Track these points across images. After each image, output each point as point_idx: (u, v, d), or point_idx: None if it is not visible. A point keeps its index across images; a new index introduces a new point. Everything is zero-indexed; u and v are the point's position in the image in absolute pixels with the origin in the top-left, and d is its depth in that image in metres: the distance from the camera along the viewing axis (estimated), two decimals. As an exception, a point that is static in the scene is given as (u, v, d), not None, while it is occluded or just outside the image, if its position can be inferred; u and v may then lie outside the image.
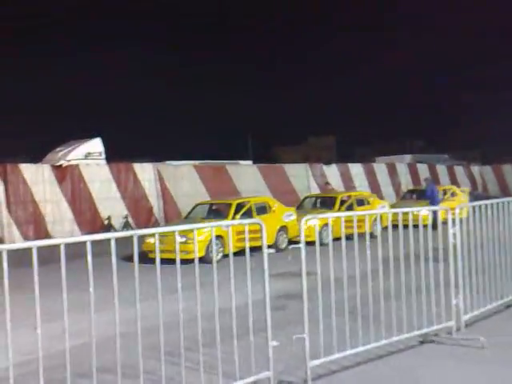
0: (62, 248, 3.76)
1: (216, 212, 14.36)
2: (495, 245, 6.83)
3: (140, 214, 20.05)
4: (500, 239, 6.92)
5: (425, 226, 6.14)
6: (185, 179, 21.46)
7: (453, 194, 21.20)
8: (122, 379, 3.98)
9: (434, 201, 17.07)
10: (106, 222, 18.43)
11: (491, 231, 6.81)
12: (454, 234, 6.17)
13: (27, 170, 18.23)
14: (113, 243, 4.04)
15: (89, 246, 3.85)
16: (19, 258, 3.65)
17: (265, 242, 4.87)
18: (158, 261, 4.28)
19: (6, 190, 17.68)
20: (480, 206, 6.71)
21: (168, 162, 22.62)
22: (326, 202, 17.06)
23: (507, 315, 6.99)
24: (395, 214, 6.04)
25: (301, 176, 25.18)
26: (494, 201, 7.00)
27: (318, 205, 16.97)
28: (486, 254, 6.70)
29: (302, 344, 4.85)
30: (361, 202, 17.12)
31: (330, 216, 5.71)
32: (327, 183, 22.61)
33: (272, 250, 4.92)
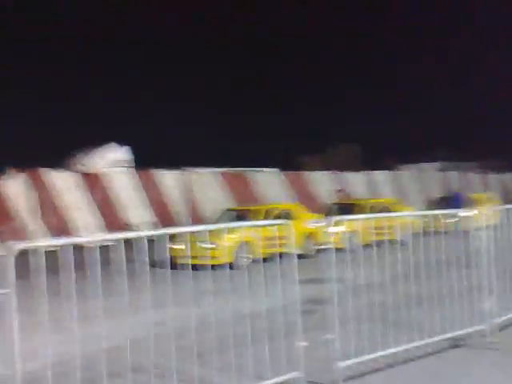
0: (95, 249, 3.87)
1: (243, 219, 14.44)
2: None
3: (166, 220, 20.25)
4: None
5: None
6: (210, 186, 21.62)
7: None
8: (154, 379, 4.04)
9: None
10: (135, 229, 18.65)
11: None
12: (487, 237, 6.17)
13: (58, 177, 18.59)
14: (145, 242, 4.15)
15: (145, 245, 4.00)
16: (50, 262, 3.72)
17: (293, 242, 4.92)
18: (189, 263, 4.37)
19: (36, 196, 18.03)
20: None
21: (193, 169, 22.79)
22: (353, 209, 17.01)
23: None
24: (426, 222, 6.05)
25: (326, 184, 25.16)
26: None
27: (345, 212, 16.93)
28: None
29: (331, 346, 4.87)
30: (387, 210, 17.04)
31: (361, 217, 5.68)
32: (340, 190, 22.06)
33: (305, 343, 4.79)
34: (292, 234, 4.90)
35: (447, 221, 6.29)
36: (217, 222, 14.69)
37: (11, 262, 3.46)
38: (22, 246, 3.57)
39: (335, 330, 4.86)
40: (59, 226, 17.54)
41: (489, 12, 53.76)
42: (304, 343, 4.72)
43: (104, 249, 3.99)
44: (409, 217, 6.39)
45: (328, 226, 5.10)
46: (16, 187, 17.72)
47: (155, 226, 19.18)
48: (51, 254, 3.74)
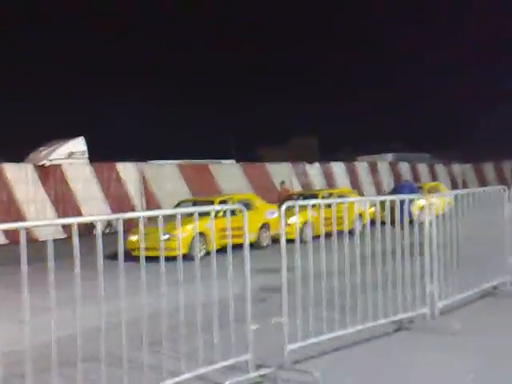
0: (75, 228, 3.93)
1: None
2: (472, 235, 7.12)
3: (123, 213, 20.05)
4: (476, 230, 7.21)
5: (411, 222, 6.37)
6: (168, 178, 21.55)
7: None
8: (106, 367, 4.09)
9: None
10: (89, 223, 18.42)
11: (468, 221, 7.10)
12: (430, 222, 6.44)
13: (10, 169, 18.22)
14: (99, 227, 4.21)
15: (99, 228, 4.12)
16: (5, 256, 3.74)
17: (246, 228, 5.03)
18: (142, 247, 4.44)
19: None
20: (457, 196, 7.00)
21: (151, 161, 22.68)
22: (308, 199, 17.21)
23: (481, 304, 7.25)
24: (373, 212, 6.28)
25: (283, 175, 25.39)
26: (471, 190, 7.30)
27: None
28: (462, 243, 6.97)
29: (280, 329, 5.04)
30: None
31: (312, 202, 5.77)
32: (282, 182, 21.01)
33: (255, 327, 4.93)
34: (245, 217, 5.00)
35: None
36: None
37: None
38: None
39: (284, 315, 5.03)
40: (12, 220, 17.18)
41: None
42: (254, 326, 4.87)
43: (58, 242, 4.00)
44: (360, 203, 6.51)
45: (281, 216, 5.22)
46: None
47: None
48: (5, 248, 3.75)
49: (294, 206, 5.40)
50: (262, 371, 4.91)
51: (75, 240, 4.02)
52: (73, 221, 4.14)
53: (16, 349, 4.05)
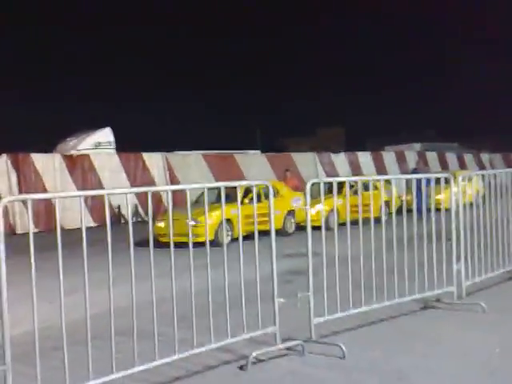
0: (82, 202, 3.98)
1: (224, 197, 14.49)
2: (500, 215, 7.04)
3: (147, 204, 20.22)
4: (504, 211, 7.14)
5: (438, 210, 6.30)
6: (193, 168, 21.65)
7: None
8: (137, 341, 4.17)
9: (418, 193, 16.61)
10: (116, 211, 18.64)
11: (495, 202, 7.02)
12: (457, 209, 6.39)
13: (39, 159, 18.51)
14: (132, 196, 4.30)
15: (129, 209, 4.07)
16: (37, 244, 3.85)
17: (272, 208, 5.03)
18: (170, 223, 4.48)
19: (19, 180, 17.99)
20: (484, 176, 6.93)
21: (176, 151, 22.79)
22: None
23: (509, 285, 7.19)
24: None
25: (309, 164, 25.30)
26: (498, 171, 7.21)
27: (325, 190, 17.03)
28: (489, 224, 6.89)
29: (306, 305, 5.08)
30: (368, 187, 17.15)
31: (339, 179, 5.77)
32: (287, 170, 19.46)
33: (281, 300, 4.98)
34: (271, 189, 5.00)
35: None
36: (198, 199, 14.79)
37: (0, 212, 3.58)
38: (11, 198, 3.75)
39: (310, 291, 5.04)
40: (46, 207, 17.46)
41: None
42: (281, 299, 4.89)
43: (89, 230, 4.08)
44: (386, 191, 6.46)
45: (307, 191, 5.23)
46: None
47: (137, 208, 19.22)
48: (36, 236, 3.86)
49: (319, 195, 5.41)
50: (289, 344, 4.94)
51: (108, 222, 4.07)
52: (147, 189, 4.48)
53: (46, 325, 4.15)
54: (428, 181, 6.43)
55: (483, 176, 7.39)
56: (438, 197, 6.23)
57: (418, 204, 6.14)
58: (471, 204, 6.94)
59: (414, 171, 16.28)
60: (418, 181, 6.34)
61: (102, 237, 4.22)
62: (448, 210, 6.45)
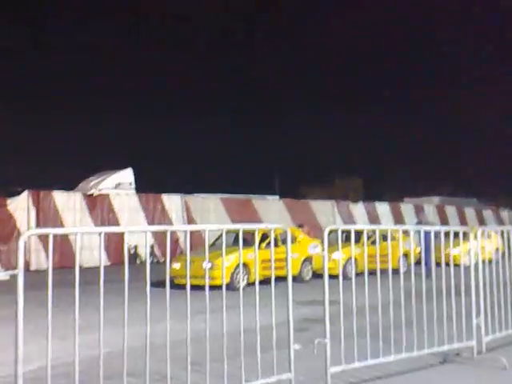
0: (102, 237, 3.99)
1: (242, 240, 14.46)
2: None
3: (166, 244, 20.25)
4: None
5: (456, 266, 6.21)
6: (211, 211, 21.73)
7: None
8: (149, 383, 4.11)
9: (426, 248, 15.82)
10: (132, 251, 18.68)
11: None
12: (476, 253, 6.29)
13: (59, 197, 18.75)
14: (149, 235, 4.30)
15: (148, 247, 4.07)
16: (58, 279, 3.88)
17: (289, 252, 5.01)
18: (188, 263, 4.47)
19: (38, 216, 18.18)
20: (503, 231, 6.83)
21: (196, 194, 22.95)
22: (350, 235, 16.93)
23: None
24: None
25: (327, 212, 25.25)
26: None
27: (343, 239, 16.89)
28: (509, 280, 6.76)
29: (323, 352, 4.98)
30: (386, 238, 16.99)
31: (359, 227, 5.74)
32: (300, 226, 18.48)
33: (297, 347, 4.91)
34: (289, 234, 4.98)
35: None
36: (215, 243, 14.79)
37: (21, 245, 3.64)
38: (33, 231, 3.78)
39: (327, 338, 4.96)
40: (62, 244, 17.55)
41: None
42: (297, 346, 4.80)
43: (105, 269, 4.10)
44: (405, 242, 6.39)
45: (325, 237, 5.21)
46: (19, 207, 17.89)
47: (153, 249, 19.23)
48: (53, 272, 3.89)
49: (336, 243, 5.38)
50: (304, 392, 4.81)
51: (126, 260, 4.09)
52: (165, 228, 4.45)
53: (59, 362, 4.12)
54: (437, 234, 6.28)
55: (502, 232, 7.27)
56: (455, 251, 6.12)
57: (425, 258, 6.01)
58: (490, 261, 6.84)
59: (418, 224, 15.51)
60: (426, 234, 6.22)
61: (117, 276, 4.23)
62: (467, 265, 6.35)
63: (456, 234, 6.37)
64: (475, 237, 6.55)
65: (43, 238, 17.64)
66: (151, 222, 20.26)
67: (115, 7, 55.40)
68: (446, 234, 6.23)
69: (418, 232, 6.66)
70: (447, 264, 6.12)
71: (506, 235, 6.98)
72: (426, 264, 5.99)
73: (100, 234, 4.23)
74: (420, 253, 6.09)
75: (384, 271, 5.66)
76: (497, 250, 6.97)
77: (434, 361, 5.96)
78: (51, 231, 3.99)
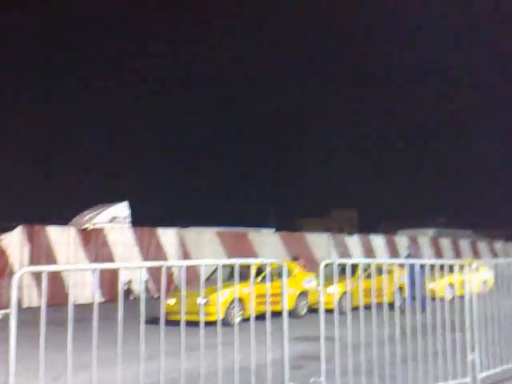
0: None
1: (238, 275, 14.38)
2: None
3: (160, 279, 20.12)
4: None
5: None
6: (207, 245, 21.65)
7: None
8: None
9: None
10: (126, 287, 18.51)
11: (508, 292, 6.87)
12: (470, 290, 6.27)
13: (53, 232, 18.64)
14: (144, 271, 4.30)
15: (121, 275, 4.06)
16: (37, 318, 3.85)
17: (285, 288, 4.99)
18: (183, 299, 4.43)
19: (31, 252, 18.03)
20: (498, 270, 6.80)
21: (191, 227, 22.89)
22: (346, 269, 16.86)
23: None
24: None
25: (322, 245, 25.18)
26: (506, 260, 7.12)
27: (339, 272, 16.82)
28: (503, 313, 6.73)
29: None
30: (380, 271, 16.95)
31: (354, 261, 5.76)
32: (295, 259, 18.42)
33: None
34: (285, 268, 4.97)
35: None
36: (210, 277, 14.71)
37: (15, 284, 3.66)
38: (27, 269, 3.80)
39: (322, 376, 4.91)
40: (54, 281, 17.39)
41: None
42: None
43: (100, 306, 4.08)
44: (400, 277, 6.37)
45: (321, 271, 5.20)
46: (12, 243, 17.77)
47: (147, 284, 19.07)
48: (50, 309, 3.87)
49: (332, 277, 5.38)
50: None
51: (119, 297, 4.07)
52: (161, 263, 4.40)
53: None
54: (422, 268, 6.22)
55: (496, 265, 7.24)
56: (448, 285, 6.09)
57: (411, 293, 5.95)
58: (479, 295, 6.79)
59: (408, 257, 15.18)
60: (412, 269, 6.13)
61: (111, 312, 4.19)
62: (457, 298, 6.33)
63: (442, 267, 6.37)
64: (468, 271, 6.54)
65: (35, 275, 17.50)
66: (146, 257, 20.15)
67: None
68: (441, 267, 6.24)
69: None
70: (433, 298, 6.09)
71: (499, 268, 6.98)
72: (412, 299, 5.93)
73: (94, 270, 4.20)
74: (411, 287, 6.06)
75: (379, 305, 5.63)
76: (485, 283, 6.97)
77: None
78: (45, 268, 3.97)
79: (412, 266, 6.12)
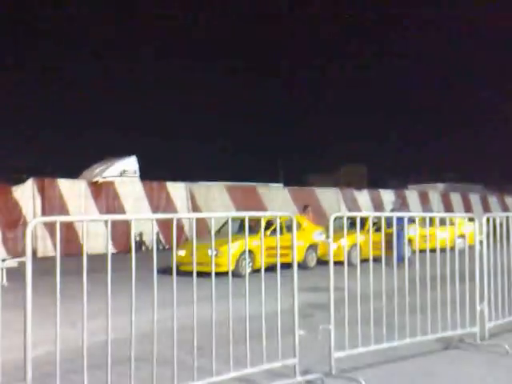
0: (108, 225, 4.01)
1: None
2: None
3: (171, 231, 20.32)
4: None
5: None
6: (216, 199, 21.76)
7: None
8: (156, 367, 4.16)
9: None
10: (137, 239, 18.75)
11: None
12: (481, 241, 6.31)
13: (64, 184, 18.80)
14: (154, 223, 4.51)
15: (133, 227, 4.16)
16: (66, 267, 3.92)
17: (295, 240, 5.04)
18: (194, 250, 4.51)
19: (43, 204, 18.25)
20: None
21: (200, 182, 22.97)
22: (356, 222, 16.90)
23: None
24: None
25: (331, 200, 25.25)
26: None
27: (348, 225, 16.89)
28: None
29: (327, 338, 5.04)
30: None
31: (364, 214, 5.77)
32: (305, 207, 18.09)
33: (302, 332, 4.94)
34: (294, 222, 5.01)
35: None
36: (220, 230, 14.84)
37: (29, 233, 3.68)
38: (41, 219, 3.85)
39: (331, 324, 5.01)
40: (66, 232, 17.61)
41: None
42: (302, 332, 4.86)
43: (113, 257, 4.13)
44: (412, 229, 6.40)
45: (330, 223, 5.22)
46: (24, 195, 17.95)
47: (158, 236, 19.29)
48: (64, 259, 3.92)
49: (340, 230, 5.41)
50: (309, 377, 4.90)
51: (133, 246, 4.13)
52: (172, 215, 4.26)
53: (68, 347, 4.18)
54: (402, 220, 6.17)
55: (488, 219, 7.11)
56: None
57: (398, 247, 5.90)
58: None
59: (392, 211, 14.47)
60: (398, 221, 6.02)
61: (123, 264, 4.25)
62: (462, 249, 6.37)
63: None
64: (481, 225, 6.54)
65: (49, 226, 17.72)
66: (156, 210, 20.31)
67: None
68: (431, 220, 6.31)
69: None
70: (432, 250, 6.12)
71: (498, 221, 6.89)
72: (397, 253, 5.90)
73: (106, 221, 4.24)
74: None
75: (390, 258, 5.69)
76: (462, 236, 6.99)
77: (438, 347, 6.02)
78: (58, 219, 4.02)
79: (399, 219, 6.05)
